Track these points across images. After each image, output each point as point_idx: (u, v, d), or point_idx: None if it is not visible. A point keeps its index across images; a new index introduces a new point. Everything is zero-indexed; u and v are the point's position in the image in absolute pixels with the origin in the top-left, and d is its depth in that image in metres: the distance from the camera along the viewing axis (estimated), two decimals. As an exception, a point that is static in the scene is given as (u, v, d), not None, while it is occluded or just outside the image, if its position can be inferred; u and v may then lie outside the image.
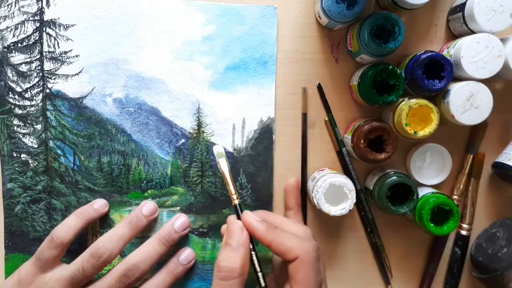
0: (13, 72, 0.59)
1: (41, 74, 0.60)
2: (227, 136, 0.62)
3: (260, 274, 0.51)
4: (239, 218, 0.53)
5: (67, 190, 0.61)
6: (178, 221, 0.60)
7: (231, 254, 0.49)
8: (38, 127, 0.60)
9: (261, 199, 0.63)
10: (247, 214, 0.52)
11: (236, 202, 0.54)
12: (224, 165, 0.57)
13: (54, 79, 0.60)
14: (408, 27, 0.62)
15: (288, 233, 0.50)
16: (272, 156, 0.63)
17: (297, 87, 0.63)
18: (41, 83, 0.60)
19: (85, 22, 0.60)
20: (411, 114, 0.56)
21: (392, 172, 0.60)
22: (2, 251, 0.61)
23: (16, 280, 0.55)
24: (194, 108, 0.62)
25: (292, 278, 0.48)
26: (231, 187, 0.55)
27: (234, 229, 0.51)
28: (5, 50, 0.59)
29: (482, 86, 0.55)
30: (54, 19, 0.59)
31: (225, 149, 0.62)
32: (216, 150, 0.59)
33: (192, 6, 0.61)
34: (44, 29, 0.59)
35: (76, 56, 0.60)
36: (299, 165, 0.64)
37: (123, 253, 0.61)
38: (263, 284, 0.51)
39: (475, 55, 0.55)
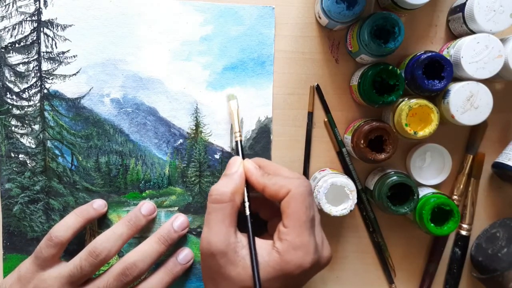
0: (11, 73, 0.59)
1: (38, 74, 0.59)
2: (225, 136, 0.62)
3: (246, 204, 0.52)
4: (237, 153, 0.57)
5: (65, 190, 0.61)
6: (178, 221, 0.60)
7: (225, 180, 0.52)
8: (36, 127, 0.60)
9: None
10: (247, 160, 0.55)
11: (239, 139, 0.58)
12: (234, 105, 0.60)
13: (52, 79, 0.60)
14: (408, 27, 0.62)
15: (281, 176, 0.52)
16: (270, 156, 0.63)
17: (296, 87, 0.63)
18: (39, 84, 0.60)
19: (82, 23, 0.59)
20: (411, 114, 0.56)
21: (393, 172, 0.60)
22: (0, 251, 0.61)
23: (16, 278, 0.55)
24: (192, 108, 0.62)
25: (284, 213, 0.49)
26: (236, 125, 0.59)
27: (233, 162, 0.55)
28: (3, 50, 0.59)
29: (482, 86, 0.55)
30: (52, 19, 0.59)
31: (223, 149, 0.62)
32: (227, 93, 0.62)
33: (190, 6, 0.60)
34: (41, 29, 0.59)
35: (74, 56, 0.60)
36: (298, 165, 0.64)
37: (121, 253, 0.61)
38: (248, 212, 0.52)
39: (475, 55, 0.54)
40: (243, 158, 0.56)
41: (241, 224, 0.51)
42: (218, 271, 0.48)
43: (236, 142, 0.58)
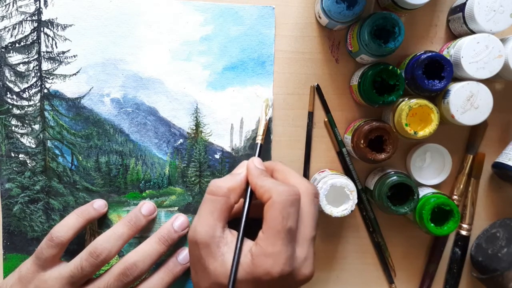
0: (11, 72, 0.59)
1: (39, 74, 0.59)
2: (225, 136, 0.62)
3: (246, 202, 0.52)
4: (255, 155, 0.57)
5: (65, 190, 0.61)
6: (178, 221, 0.60)
7: (226, 177, 0.52)
8: (36, 127, 0.60)
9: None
10: (253, 159, 0.54)
11: (259, 142, 0.58)
12: (263, 110, 0.60)
13: (52, 79, 0.60)
14: (408, 27, 0.62)
15: (272, 179, 0.51)
16: (270, 156, 0.63)
17: (296, 87, 0.63)
18: (39, 83, 0.60)
19: (83, 22, 0.60)
20: (411, 114, 0.56)
21: (393, 172, 0.60)
22: (0, 251, 0.61)
23: (17, 278, 0.55)
24: (192, 108, 0.62)
25: (264, 219, 0.48)
26: (261, 129, 0.59)
27: (241, 165, 0.55)
28: (3, 50, 0.59)
29: (482, 86, 0.55)
30: (52, 19, 0.59)
31: (223, 149, 0.62)
32: (265, 97, 0.62)
33: (190, 6, 0.60)
34: (42, 29, 0.59)
35: (74, 56, 0.60)
36: (299, 165, 0.64)
37: (121, 253, 0.61)
38: (245, 210, 0.51)
39: (475, 55, 0.54)
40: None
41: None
42: (199, 261, 0.48)
43: (256, 144, 0.58)
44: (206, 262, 0.47)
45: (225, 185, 0.50)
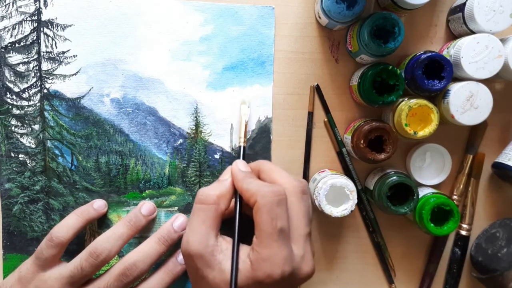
0: (11, 72, 0.59)
1: (38, 74, 0.59)
2: (225, 136, 0.62)
3: (237, 208, 0.52)
4: (239, 158, 0.57)
5: (65, 190, 0.61)
6: (178, 221, 0.60)
7: (214, 185, 0.52)
8: (36, 127, 0.60)
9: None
10: (236, 162, 0.54)
11: (242, 144, 0.58)
12: (243, 111, 0.60)
13: (52, 79, 0.60)
14: (408, 27, 0.62)
15: (258, 181, 0.51)
16: (270, 156, 0.63)
17: (296, 87, 0.63)
18: (39, 83, 0.60)
19: (82, 22, 0.59)
20: (411, 114, 0.56)
21: (392, 172, 0.60)
22: (0, 251, 0.61)
23: (16, 278, 0.55)
24: (192, 108, 0.62)
25: (255, 223, 0.48)
26: (242, 131, 0.59)
27: (227, 170, 0.54)
28: (3, 50, 0.59)
29: (482, 86, 0.55)
30: (52, 19, 0.59)
31: (223, 149, 0.62)
32: (242, 99, 0.62)
33: (190, 6, 0.60)
34: (41, 29, 0.59)
35: (74, 56, 0.60)
36: (298, 165, 0.64)
37: (121, 254, 0.61)
38: (236, 216, 0.51)
39: (475, 55, 0.54)
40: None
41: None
42: (197, 272, 0.48)
43: (239, 147, 0.58)
44: (204, 272, 0.47)
45: (214, 192, 0.50)
